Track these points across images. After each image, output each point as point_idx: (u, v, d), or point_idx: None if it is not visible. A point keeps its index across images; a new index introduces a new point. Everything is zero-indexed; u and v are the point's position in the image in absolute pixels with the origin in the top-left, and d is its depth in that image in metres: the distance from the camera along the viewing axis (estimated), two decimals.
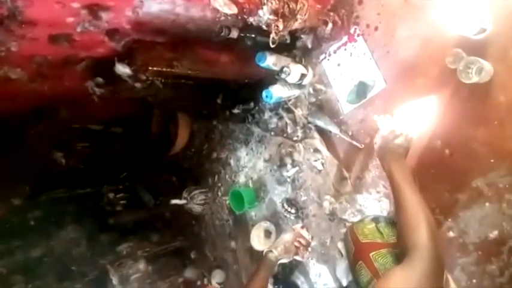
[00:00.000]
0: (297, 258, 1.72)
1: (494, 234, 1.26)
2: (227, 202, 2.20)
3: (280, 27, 1.40)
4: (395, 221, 1.10)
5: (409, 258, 0.94)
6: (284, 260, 1.66)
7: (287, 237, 1.69)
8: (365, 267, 1.11)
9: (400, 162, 1.16)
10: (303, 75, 1.77)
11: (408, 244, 0.97)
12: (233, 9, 1.36)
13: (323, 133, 1.81)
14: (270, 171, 2.03)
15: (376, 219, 1.24)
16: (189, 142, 2.50)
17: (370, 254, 1.12)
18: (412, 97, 1.42)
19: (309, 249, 1.78)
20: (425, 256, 0.92)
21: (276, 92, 1.78)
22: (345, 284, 1.67)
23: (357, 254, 1.18)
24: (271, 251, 1.63)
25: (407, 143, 1.22)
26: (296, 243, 1.67)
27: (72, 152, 2.37)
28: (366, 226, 1.22)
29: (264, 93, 1.79)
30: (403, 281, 0.90)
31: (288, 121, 1.94)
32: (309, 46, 1.78)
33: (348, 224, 1.66)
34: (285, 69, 1.71)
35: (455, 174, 1.36)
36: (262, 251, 1.68)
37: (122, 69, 1.53)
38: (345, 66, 1.72)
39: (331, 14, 1.64)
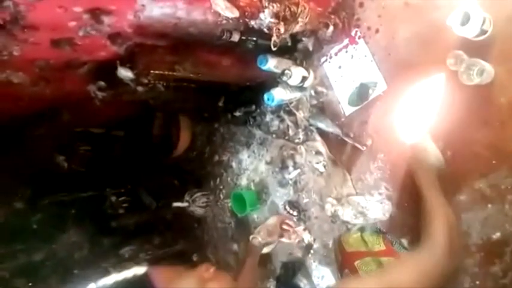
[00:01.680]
0: (284, 240, 1.71)
1: (496, 235, 1.26)
2: (229, 205, 2.20)
3: (282, 30, 1.40)
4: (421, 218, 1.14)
5: (421, 246, 1.00)
6: (271, 246, 1.67)
7: (270, 221, 1.70)
8: (350, 276, 1.12)
9: (431, 177, 1.24)
10: (304, 78, 1.77)
11: (424, 234, 1.04)
12: (235, 13, 1.36)
13: (325, 135, 1.81)
14: (272, 173, 2.03)
15: (362, 229, 1.28)
16: (190, 145, 2.50)
17: (355, 263, 1.16)
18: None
19: (311, 251, 1.79)
20: (436, 247, 0.98)
21: (277, 95, 1.79)
22: None
23: (343, 263, 1.22)
24: (254, 237, 1.64)
25: (439, 161, 1.29)
26: (285, 226, 1.67)
27: (74, 155, 2.37)
28: (351, 236, 1.26)
29: (265, 96, 1.79)
30: (410, 265, 0.97)
31: (290, 123, 1.94)
32: (310, 49, 1.78)
33: (349, 226, 1.66)
34: (286, 71, 1.71)
35: (457, 176, 1.36)
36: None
37: (124, 73, 1.54)
38: (346, 69, 1.72)
39: (332, 16, 1.65)
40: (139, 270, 0.86)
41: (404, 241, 1.48)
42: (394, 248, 1.34)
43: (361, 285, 0.94)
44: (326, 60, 1.80)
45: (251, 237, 1.67)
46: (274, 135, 2.04)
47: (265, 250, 1.69)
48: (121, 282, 0.85)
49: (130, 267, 0.89)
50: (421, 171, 1.26)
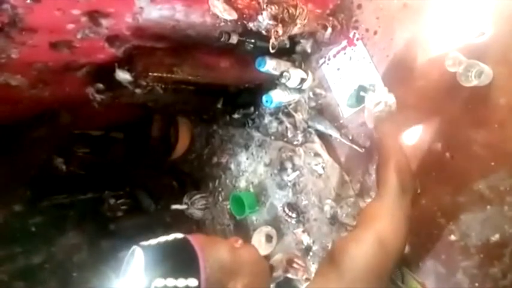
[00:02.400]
0: (290, 276, 1.71)
1: (496, 237, 1.26)
2: (228, 207, 2.20)
3: (280, 32, 1.40)
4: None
5: (378, 194, 1.17)
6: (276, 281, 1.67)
7: (276, 256, 1.71)
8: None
9: (383, 123, 1.35)
10: (302, 80, 1.78)
11: (379, 182, 1.19)
12: (233, 15, 1.36)
13: (323, 137, 1.81)
14: (271, 175, 2.03)
15: None
16: (189, 147, 2.50)
17: None
18: (411, 101, 1.43)
19: (310, 253, 1.79)
20: (390, 190, 1.11)
21: (276, 97, 1.79)
22: None
23: None
24: None
25: (388, 107, 1.36)
26: (295, 265, 1.67)
27: (73, 157, 2.37)
28: None
29: (264, 98, 1.80)
30: (374, 212, 1.09)
31: (288, 125, 1.94)
32: (309, 51, 1.78)
33: (349, 228, 1.66)
34: (284, 73, 1.71)
35: (456, 177, 1.36)
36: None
37: (122, 75, 1.54)
38: (345, 71, 1.72)
39: (330, 18, 1.65)
40: (177, 235, 0.93)
41: None
42: None
43: (352, 239, 1.03)
44: (324, 62, 1.80)
45: None
46: (272, 137, 2.04)
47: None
48: (164, 242, 0.91)
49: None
50: (376, 122, 1.38)
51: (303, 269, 1.66)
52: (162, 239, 0.91)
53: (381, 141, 1.32)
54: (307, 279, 1.72)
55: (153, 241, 0.90)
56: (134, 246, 0.89)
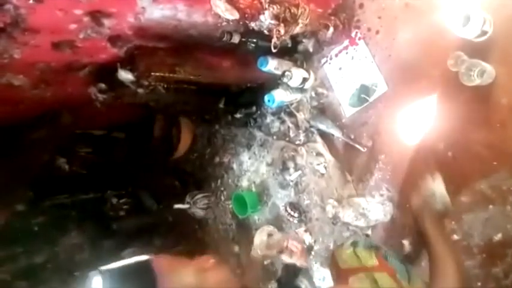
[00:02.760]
0: (283, 257, 1.70)
1: (498, 236, 1.26)
2: (230, 206, 2.20)
3: (282, 31, 1.41)
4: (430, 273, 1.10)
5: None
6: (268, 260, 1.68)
7: (274, 236, 1.70)
8: None
9: (437, 223, 1.15)
10: (304, 79, 1.77)
11: (435, 280, 1.03)
12: (235, 15, 1.36)
13: (325, 137, 1.81)
14: (273, 175, 2.03)
15: (354, 244, 1.32)
16: (191, 146, 2.50)
17: (349, 280, 1.15)
18: (414, 100, 1.42)
19: (312, 252, 1.79)
20: None
21: (278, 96, 1.79)
22: None
23: (337, 279, 1.22)
24: (254, 250, 1.65)
25: (446, 207, 1.20)
26: (292, 247, 1.67)
27: (75, 157, 2.37)
28: (344, 252, 1.27)
29: (266, 98, 1.80)
30: None
31: (290, 125, 1.94)
32: (311, 50, 1.78)
33: (351, 228, 1.66)
34: (286, 73, 1.71)
35: (458, 177, 1.35)
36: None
37: (125, 75, 1.54)
38: (347, 70, 1.72)
39: (332, 18, 1.65)
40: (141, 258, 0.90)
41: (406, 242, 1.48)
42: (388, 261, 1.33)
43: None
44: (326, 61, 1.80)
45: (252, 249, 1.68)
46: (274, 137, 2.04)
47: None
48: (123, 267, 0.88)
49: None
50: (427, 215, 1.17)
51: (299, 252, 1.66)
52: (124, 262, 0.89)
53: (436, 236, 1.13)
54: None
55: (113, 265, 0.88)
56: (93, 272, 0.86)
